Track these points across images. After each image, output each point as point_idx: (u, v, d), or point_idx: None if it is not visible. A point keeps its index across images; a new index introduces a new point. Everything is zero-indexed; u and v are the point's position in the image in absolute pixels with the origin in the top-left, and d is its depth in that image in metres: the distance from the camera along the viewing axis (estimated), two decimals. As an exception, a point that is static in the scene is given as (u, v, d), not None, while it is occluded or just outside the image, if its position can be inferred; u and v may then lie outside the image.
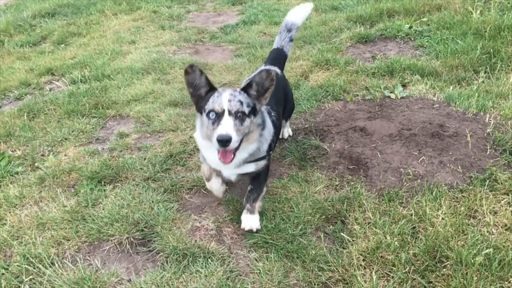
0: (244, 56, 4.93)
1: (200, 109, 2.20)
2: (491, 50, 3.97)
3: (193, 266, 2.18)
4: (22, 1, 11.26)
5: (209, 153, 2.28)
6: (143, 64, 4.85)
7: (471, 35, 4.31)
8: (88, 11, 7.55)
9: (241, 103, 2.10)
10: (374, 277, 2.03)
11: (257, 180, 2.45)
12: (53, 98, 4.17)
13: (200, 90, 2.19)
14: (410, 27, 4.98)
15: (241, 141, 2.13)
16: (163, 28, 6.26)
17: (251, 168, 2.36)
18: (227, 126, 2.02)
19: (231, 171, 2.36)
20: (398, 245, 2.17)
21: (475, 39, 4.23)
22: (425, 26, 4.94)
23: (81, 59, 5.18)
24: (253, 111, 2.18)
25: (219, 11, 7.11)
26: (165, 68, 4.73)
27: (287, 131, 3.31)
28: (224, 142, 1.98)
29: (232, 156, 2.11)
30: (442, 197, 2.49)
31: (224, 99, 2.08)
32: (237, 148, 2.11)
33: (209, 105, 2.10)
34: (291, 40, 3.15)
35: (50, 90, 4.53)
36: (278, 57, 3.11)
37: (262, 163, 2.38)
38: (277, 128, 2.60)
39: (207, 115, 2.11)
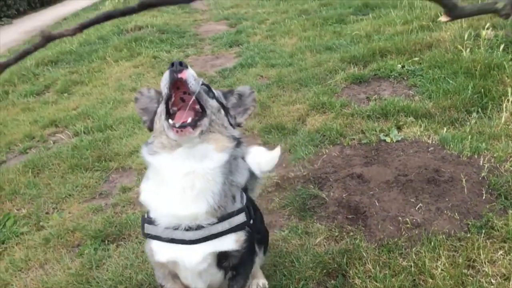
0: (242, 101, 5.04)
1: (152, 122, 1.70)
2: (482, 89, 4.06)
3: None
4: (25, 47, 11.60)
5: (162, 203, 1.64)
6: (144, 113, 4.96)
7: (462, 74, 4.42)
8: (90, 58, 7.77)
9: (209, 87, 1.66)
10: (376, 336, 2.05)
11: (241, 264, 1.82)
12: (57, 152, 4.27)
13: (154, 108, 1.74)
14: (403, 67, 5.11)
15: (202, 127, 1.53)
16: (163, 74, 6.40)
17: (228, 243, 1.71)
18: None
19: (197, 252, 1.66)
20: (398, 301, 2.20)
21: (466, 78, 4.34)
22: (417, 65, 5.07)
23: (84, 109, 5.32)
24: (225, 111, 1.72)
25: (217, 54, 7.30)
26: (166, 117, 4.83)
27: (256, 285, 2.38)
28: (177, 64, 1.51)
29: (190, 126, 1.51)
30: (440, 246, 2.52)
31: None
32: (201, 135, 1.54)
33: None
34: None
35: (54, 143, 4.64)
36: None
37: (242, 236, 1.74)
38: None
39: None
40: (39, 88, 6.75)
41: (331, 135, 3.95)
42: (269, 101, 4.92)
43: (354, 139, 3.87)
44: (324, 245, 2.71)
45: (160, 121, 1.60)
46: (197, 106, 1.58)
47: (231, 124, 1.70)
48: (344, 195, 3.11)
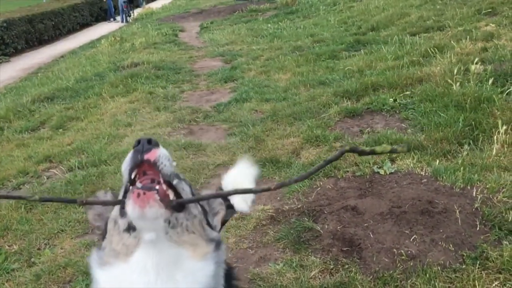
0: (237, 135, 5.09)
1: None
2: (473, 122, 4.13)
3: None
4: (22, 84, 11.75)
5: None
6: (139, 148, 4.98)
7: (453, 108, 4.50)
8: (86, 94, 7.84)
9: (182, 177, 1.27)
10: None
11: None
12: (51, 187, 4.25)
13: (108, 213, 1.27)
14: (395, 100, 5.20)
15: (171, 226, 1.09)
16: (158, 109, 6.49)
17: None
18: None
19: None
20: (395, 335, 2.16)
21: (457, 112, 4.41)
22: (409, 99, 5.16)
23: (79, 145, 5.33)
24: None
25: (212, 89, 7.40)
26: (160, 151, 4.85)
27: None
28: (145, 142, 1.10)
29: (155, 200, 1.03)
30: (436, 278, 2.50)
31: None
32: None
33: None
34: None
35: (47, 179, 4.62)
36: None
37: None
38: None
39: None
40: (35, 124, 6.77)
41: (325, 168, 3.97)
42: (264, 135, 4.97)
43: (348, 171, 3.89)
44: (319, 278, 2.68)
45: (113, 217, 1.18)
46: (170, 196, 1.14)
47: (209, 224, 1.28)
48: (338, 228, 3.10)
